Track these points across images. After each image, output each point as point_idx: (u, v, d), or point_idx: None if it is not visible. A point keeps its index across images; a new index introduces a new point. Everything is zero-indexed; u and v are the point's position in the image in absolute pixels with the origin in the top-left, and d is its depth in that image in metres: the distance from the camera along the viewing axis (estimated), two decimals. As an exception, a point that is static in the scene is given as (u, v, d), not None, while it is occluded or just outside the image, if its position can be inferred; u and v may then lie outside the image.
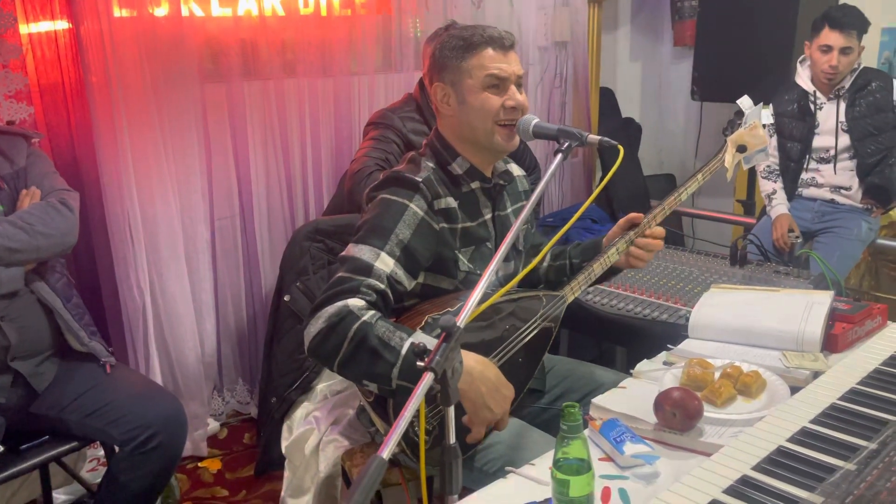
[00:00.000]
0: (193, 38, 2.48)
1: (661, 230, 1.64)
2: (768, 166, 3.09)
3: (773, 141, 3.05)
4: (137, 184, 2.37)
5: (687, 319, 1.71)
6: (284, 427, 2.01)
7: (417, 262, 1.44)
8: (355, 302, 1.32)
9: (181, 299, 2.53)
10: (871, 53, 3.28)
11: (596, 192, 1.55)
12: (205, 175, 2.60)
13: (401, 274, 1.40)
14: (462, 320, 1.07)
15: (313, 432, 1.89)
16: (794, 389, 1.35)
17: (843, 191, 2.97)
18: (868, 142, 2.87)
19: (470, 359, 1.33)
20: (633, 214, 1.64)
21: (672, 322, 1.92)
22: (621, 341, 2.20)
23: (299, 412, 2.01)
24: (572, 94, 3.76)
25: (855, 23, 2.79)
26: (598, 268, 1.62)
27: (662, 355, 1.60)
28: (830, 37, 2.79)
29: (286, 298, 2.14)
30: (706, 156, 4.21)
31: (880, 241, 3.10)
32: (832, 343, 1.56)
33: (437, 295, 1.52)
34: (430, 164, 1.52)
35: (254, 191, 2.73)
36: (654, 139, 4.41)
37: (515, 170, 1.71)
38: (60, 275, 1.90)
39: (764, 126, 1.79)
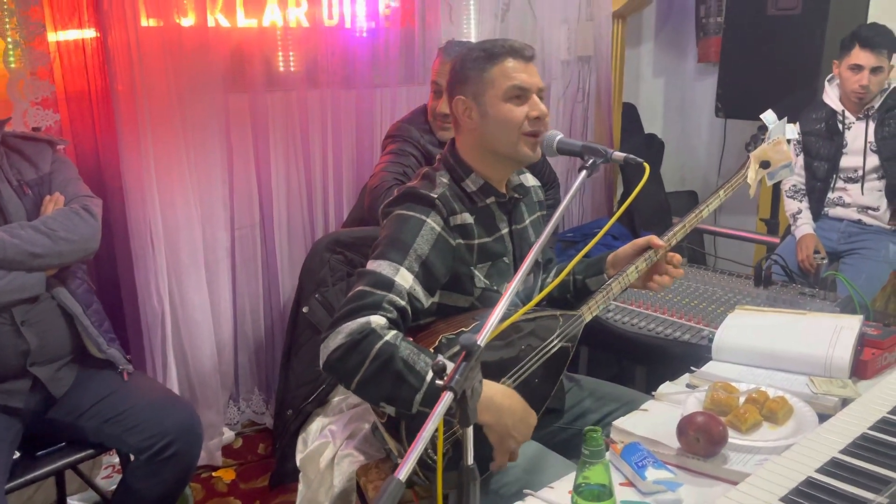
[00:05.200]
0: (218, 49, 2.50)
1: (679, 257, 1.63)
2: (794, 185, 3.05)
3: (799, 160, 3.01)
4: (160, 192, 2.38)
5: (709, 340, 1.68)
6: (300, 440, 2.00)
7: (435, 278, 1.42)
8: (377, 319, 1.29)
9: (200, 307, 2.53)
10: (900, 72, 3.23)
11: (619, 212, 1.52)
12: (226, 184, 2.61)
13: (419, 291, 1.38)
14: (483, 339, 1.05)
15: (328, 446, 1.87)
16: (822, 416, 1.32)
17: (870, 211, 2.92)
18: (897, 162, 2.82)
19: (498, 393, 1.31)
20: (653, 238, 1.61)
21: (694, 342, 1.89)
22: (641, 360, 2.16)
23: (315, 425, 2.00)
24: (594, 109, 3.74)
25: (886, 42, 2.75)
26: (616, 287, 1.59)
27: (685, 377, 1.56)
28: (861, 56, 2.75)
29: (304, 310, 2.13)
30: (729, 173, 4.15)
31: (908, 263, 3.03)
32: (861, 369, 1.52)
33: (452, 313, 1.50)
34: (444, 180, 1.50)
35: (274, 201, 2.73)
36: (677, 156, 4.37)
37: (529, 180, 1.69)
38: (81, 281, 1.90)
39: (788, 141, 1.75)
